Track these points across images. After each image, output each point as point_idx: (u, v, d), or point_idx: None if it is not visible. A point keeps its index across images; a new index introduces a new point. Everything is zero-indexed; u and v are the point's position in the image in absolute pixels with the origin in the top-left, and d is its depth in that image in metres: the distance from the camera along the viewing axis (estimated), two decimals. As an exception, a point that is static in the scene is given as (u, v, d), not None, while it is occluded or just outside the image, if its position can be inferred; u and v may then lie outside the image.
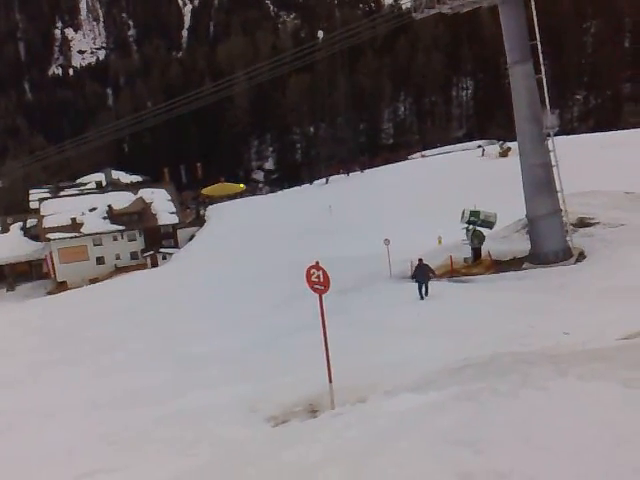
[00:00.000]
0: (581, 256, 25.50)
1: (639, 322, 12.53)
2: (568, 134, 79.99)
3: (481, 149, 78.84)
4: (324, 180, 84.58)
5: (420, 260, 24.41)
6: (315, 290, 10.54)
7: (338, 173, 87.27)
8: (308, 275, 10.53)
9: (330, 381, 10.38)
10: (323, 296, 10.57)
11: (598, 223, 28.85)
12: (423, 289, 23.36)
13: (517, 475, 4.99)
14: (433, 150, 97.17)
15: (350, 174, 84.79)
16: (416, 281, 23.69)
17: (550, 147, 26.12)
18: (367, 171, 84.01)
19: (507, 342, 13.07)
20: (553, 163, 26.01)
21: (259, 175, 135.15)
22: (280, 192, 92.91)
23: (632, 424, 5.64)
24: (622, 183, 36.52)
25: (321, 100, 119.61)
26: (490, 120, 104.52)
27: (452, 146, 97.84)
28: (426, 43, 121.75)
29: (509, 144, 64.08)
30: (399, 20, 54.19)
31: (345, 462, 6.06)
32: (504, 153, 68.15)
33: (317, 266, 10.44)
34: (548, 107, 26.82)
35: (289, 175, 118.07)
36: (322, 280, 10.39)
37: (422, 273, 23.71)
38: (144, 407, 13.84)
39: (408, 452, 5.87)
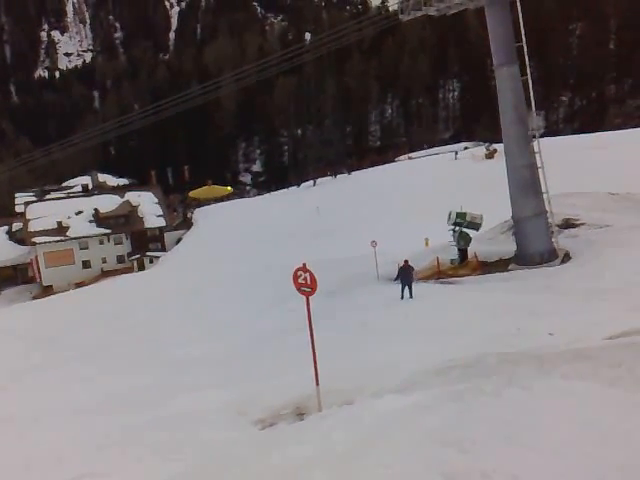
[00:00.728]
0: (566, 257, 25.67)
1: (623, 322, 12.63)
2: (554, 136, 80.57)
3: (454, 154, 79.43)
4: (312, 182, 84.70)
5: (406, 261, 24.62)
6: (302, 292, 10.53)
7: (325, 175, 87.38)
8: (295, 277, 10.52)
9: (317, 384, 10.37)
10: (310, 298, 10.57)
11: (583, 224, 29.08)
12: (406, 290, 23.58)
13: (501, 474, 5.02)
14: (420, 152, 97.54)
15: (337, 176, 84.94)
16: (400, 282, 23.95)
17: (536, 149, 26.29)
18: (354, 173, 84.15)
19: (493, 343, 13.12)
20: (539, 164, 26.18)
21: (246, 177, 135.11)
22: (267, 194, 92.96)
23: (615, 423, 5.69)
24: (607, 184, 36.83)
25: (308, 102, 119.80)
26: (476, 122, 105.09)
27: (439, 148, 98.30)
28: (413, 45, 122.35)
29: (495, 146, 64.41)
30: (386, 22, 54.31)
31: (331, 463, 6.07)
32: (490, 155, 68.52)
33: (304, 268, 10.43)
34: (534, 109, 27.00)
35: (276, 177, 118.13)
36: (309, 282, 10.38)
37: (406, 275, 23.96)
38: (130, 412, 13.76)
39: (394, 452, 5.89)
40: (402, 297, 23.55)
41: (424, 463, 5.46)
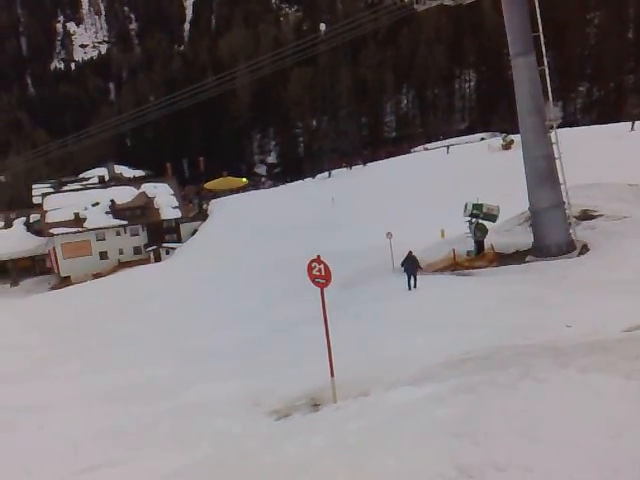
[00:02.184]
0: (584, 249, 25.44)
1: (640, 315, 12.51)
2: (571, 126, 79.72)
3: (446, 148, 79.11)
4: (327, 174, 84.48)
5: (410, 252, 24.94)
6: (316, 284, 10.53)
7: (341, 167, 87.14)
8: (309, 269, 10.52)
9: (332, 375, 10.38)
10: (325, 290, 10.56)
11: (601, 215, 28.75)
12: (412, 280, 23.94)
13: (514, 467, 5.00)
14: (436, 143, 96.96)
15: (353, 168, 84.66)
16: (404, 272, 24.31)
17: (553, 139, 26.04)
18: (370, 164, 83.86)
19: (509, 335, 13.05)
20: (556, 155, 25.93)
21: (262, 169, 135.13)
22: (283, 186, 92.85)
23: (632, 416, 5.65)
24: (625, 175, 36.38)
25: (323, 93, 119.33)
26: (493, 112, 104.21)
27: (455, 139, 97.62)
28: (429, 35, 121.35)
29: (512, 136, 63.82)
30: (401, 12, 53.88)
31: (344, 454, 6.08)
32: (507, 146, 67.87)
33: (318, 259, 10.43)
34: (551, 99, 26.67)
35: (292, 169, 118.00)
36: (324, 274, 10.38)
37: (411, 265, 24.26)
38: (147, 401, 13.89)
39: (407, 444, 5.89)
40: (409, 288, 23.85)
41: (437, 455, 5.46)
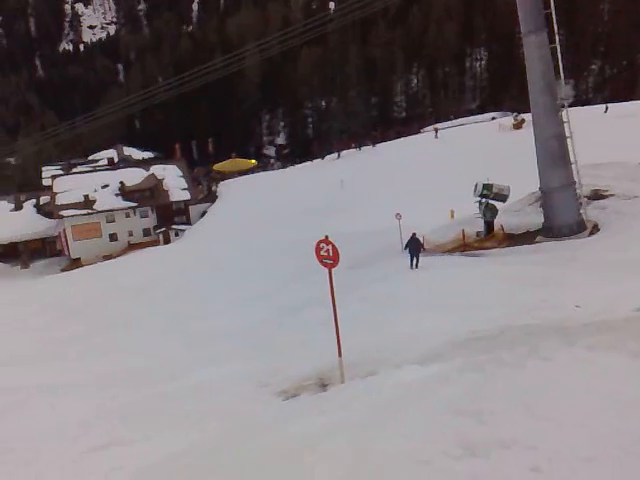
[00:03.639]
0: (595, 229, 25.33)
1: (650, 294, 12.43)
2: (583, 105, 78.89)
3: (434, 132, 78.89)
4: (336, 155, 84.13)
5: (413, 234, 25.49)
6: (324, 264, 10.50)
7: (350, 147, 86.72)
8: (317, 249, 10.49)
9: (340, 355, 10.40)
10: (333, 271, 10.54)
11: (612, 195, 28.56)
12: (414, 260, 24.69)
13: (520, 445, 4.99)
14: (446, 123, 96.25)
15: (362, 148, 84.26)
16: (409, 252, 24.92)
17: (564, 118, 25.79)
18: (379, 145, 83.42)
19: (518, 315, 13.01)
20: (567, 134, 25.70)
21: (270, 150, 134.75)
22: (292, 167, 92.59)
23: (637, 394, 5.61)
24: (636, 154, 36.01)
25: (332, 73, 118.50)
26: (504, 91, 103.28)
27: (465, 119, 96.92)
28: (439, 13, 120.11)
29: (523, 115, 63.30)
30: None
31: (350, 432, 6.10)
32: (518, 125, 67.36)
33: (327, 240, 10.39)
34: (562, 77, 26.39)
35: (301, 150, 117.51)
36: (332, 254, 10.35)
37: (414, 246, 24.90)
38: (156, 382, 13.98)
39: (412, 422, 5.89)
40: (411, 267, 24.64)
41: (442, 433, 5.45)
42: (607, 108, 67.44)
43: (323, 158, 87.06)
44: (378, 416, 6.39)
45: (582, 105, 76.68)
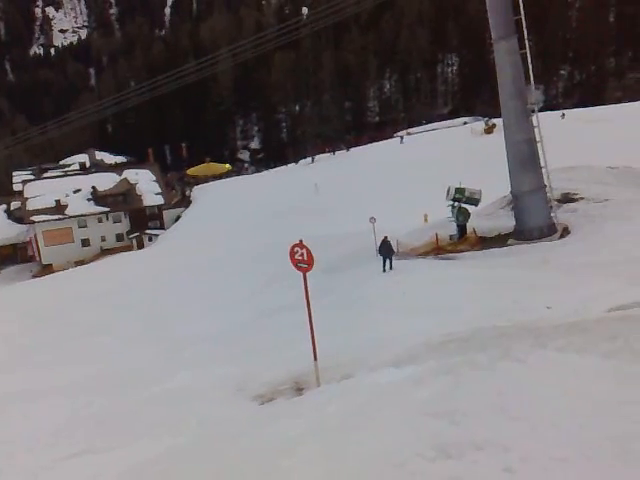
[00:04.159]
0: (565, 232, 25.67)
1: (621, 296, 12.66)
2: (553, 110, 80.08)
3: (400, 137, 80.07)
4: (310, 159, 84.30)
5: (385, 237, 25.68)
6: (299, 268, 10.55)
7: (324, 152, 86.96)
8: (292, 253, 10.54)
9: (315, 359, 10.44)
10: (308, 275, 10.58)
11: (582, 198, 28.99)
12: (387, 263, 24.96)
13: (493, 445, 5.06)
14: (419, 127, 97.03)
15: (336, 153, 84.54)
16: (381, 255, 25.22)
17: (534, 123, 26.15)
18: (353, 150, 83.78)
19: (491, 317, 13.16)
20: (537, 139, 26.06)
21: (245, 155, 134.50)
22: (266, 172, 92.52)
23: (608, 394, 5.72)
24: (606, 158, 36.67)
25: (306, 78, 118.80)
26: (475, 96, 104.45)
27: (438, 123, 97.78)
28: (411, 19, 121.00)
29: (494, 120, 64.08)
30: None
31: (325, 435, 6.13)
32: (489, 130, 68.22)
33: (301, 244, 10.45)
34: (532, 83, 26.76)
35: (275, 154, 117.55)
36: (306, 258, 10.40)
37: (386, 248, 25.18)
38: (131, 389, 13.87)
39: (386, 424, 5.94)
40: (384, 270, 24.84)
41: (416, 435, 5.50)
42: (564, 115, 69.56)
43: (297, 162, 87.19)
44: (353, 419, 6.43)
45: (552, 110, 77.79)
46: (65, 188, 66.93)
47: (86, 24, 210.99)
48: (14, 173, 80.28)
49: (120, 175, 70.40)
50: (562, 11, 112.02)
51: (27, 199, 64.87)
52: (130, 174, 70.76)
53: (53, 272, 58.05)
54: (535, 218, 26.20)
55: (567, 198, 29.30)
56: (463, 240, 28.86)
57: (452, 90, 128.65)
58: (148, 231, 66.13)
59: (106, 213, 66.19)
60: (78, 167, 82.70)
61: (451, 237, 29.54)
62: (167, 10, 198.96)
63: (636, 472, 4.57)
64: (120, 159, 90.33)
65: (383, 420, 6.07)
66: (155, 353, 19.70)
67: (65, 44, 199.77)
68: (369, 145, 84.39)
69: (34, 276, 60.14)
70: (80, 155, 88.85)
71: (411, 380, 7.25)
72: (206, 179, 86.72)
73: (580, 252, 21.82)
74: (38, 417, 12.34)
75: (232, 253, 42.02)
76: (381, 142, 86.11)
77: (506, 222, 28.25)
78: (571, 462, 4.72)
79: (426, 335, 11.97)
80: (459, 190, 29.43)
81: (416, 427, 5.65)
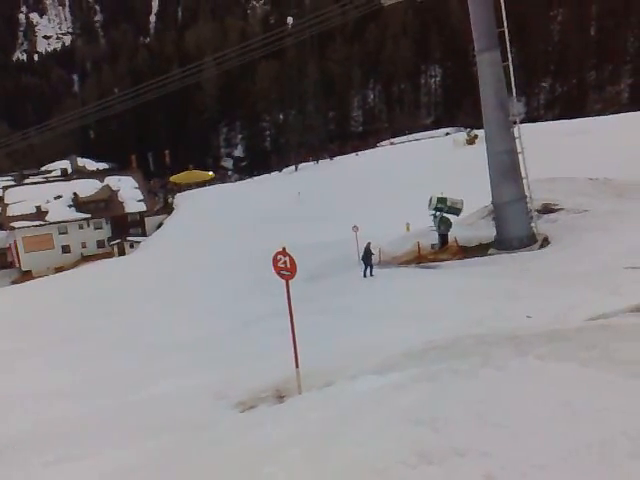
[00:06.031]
0: (545, 242, 25.92)
1: (601, 305, 12.79)
2: (534, 121, 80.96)
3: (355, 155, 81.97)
4: (293, 168, 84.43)
5: (368, 244, 26.65)
6: (282, 276, 10.53)
7: (307, 161, 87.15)
8: (275, 261, 10.52)
9: (297, 366, 10.42)
10: (291, 283, 10.57)
11: (562, 209, 29.32)
12: (368, 269, 26.10)
13: (474, 452, 5.08)
14: (402, 138, 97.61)
15: (319, 161, 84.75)
16: (362, 262, 26.36)
17: (516, 134, 26.43)
18: (336, 158, 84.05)
19: (472, 326, 13.24)
20: (519, 150, 26.34)
21: (228, 162, 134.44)
22: (249, 180, 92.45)
23: (587, 402, 5.78)
24: (586, 170, 37.12)
25: (290, 87, 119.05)
26: (458, 108, 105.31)
27: (420, 134, 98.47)
28: (395, 30, 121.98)
29: (476, 131, 64.64)
30: (368, 7, 53.97)
31: (306, 443, 6.11)
32: (471, 140, 68.80)
33: (284, 252, 10.43)
34: (514, 94, 27.06)
35: (258, 163, 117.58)
36: (289, 266, 10.39)
37: (368, 256, 26.28)
38: (110, 395, 13.75)
39: (368, 431, 5.94)
40: (364, 275, 25.93)
41: (398, 442, 5.52)
42: (357, 153, 72.24)
43: (281, 171, 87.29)
44: (335, 426, 6.43)
45: (533, 122, 78.63)
46: (46, 194, 66.40)
47: (70, 30, 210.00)
48: (-6, 179, 79.47)
49: (102, 182, 70.00)
50: (544, 24, 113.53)
51: (7, 205, 64.26)
52: (112, 181, 70.39)
53: (32, 278, 57.46)
54: (515, 228, 26.44)
55: (547, 209, 29.61)
56: (445, 249, 29.04)
57: (435, 101, 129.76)
58: (130, 238, 65.74)
59: (87, 220, 65.71)
60: (60, 173, 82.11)
61: (433, 246, 29.72)
62: (152, 17, 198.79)
63: (615, 478, 4.62)
64: (102, 166, 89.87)
65: (365, 427, 6.08)
66: (135, 360, 19.54)
67: (49, 50, 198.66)
68: (352, 154, 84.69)
69: (13, 282, 59.46)
70: (62, 161, 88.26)
71: (392, 387, 7.27)
72: (189, 186, 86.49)
73: (560, 262, 22.03)
74: (17, 423, 12.20)
75: (214, 260, 41.90)
76: (370, 150, 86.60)
77: (487, 232, 28.47)
78: (551, 469, 4.75)
79: (407, 343, 12.00)
80: (441, 200, 29.70)
81: (398, 434, 5.66)
